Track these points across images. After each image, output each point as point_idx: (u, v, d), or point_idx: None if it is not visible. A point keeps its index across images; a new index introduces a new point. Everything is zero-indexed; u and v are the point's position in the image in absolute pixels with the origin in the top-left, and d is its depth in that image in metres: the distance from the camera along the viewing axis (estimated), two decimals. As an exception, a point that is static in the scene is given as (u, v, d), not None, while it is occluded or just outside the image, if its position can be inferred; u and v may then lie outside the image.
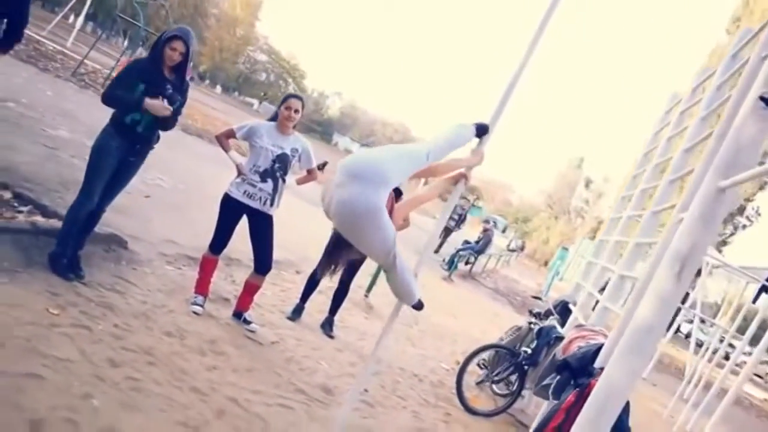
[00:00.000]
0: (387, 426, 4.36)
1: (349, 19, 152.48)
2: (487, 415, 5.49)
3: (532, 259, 51.27)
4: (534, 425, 3.97)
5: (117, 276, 4.59)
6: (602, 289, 5.50)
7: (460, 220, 17.11)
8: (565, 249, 30.04)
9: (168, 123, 4.28)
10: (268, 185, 4.69)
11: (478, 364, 6.27)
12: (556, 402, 3.40)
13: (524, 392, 5.75)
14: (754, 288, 10.72)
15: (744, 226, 32.58)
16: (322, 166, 5.14)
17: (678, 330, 16.95)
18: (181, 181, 9.00)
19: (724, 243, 31.29)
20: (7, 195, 4.90)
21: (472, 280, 16.41)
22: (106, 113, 4.25)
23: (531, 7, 3.53)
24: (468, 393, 5.61)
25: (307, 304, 5.84)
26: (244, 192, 4.67)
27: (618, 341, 2.38)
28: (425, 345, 7.19)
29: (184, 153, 11.99)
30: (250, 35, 72.24)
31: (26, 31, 4.44)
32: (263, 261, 4.85)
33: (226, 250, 4.94)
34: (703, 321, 13.26)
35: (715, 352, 10.47)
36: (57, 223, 4.47)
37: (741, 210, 31.22)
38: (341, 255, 2.96)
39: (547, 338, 5.47)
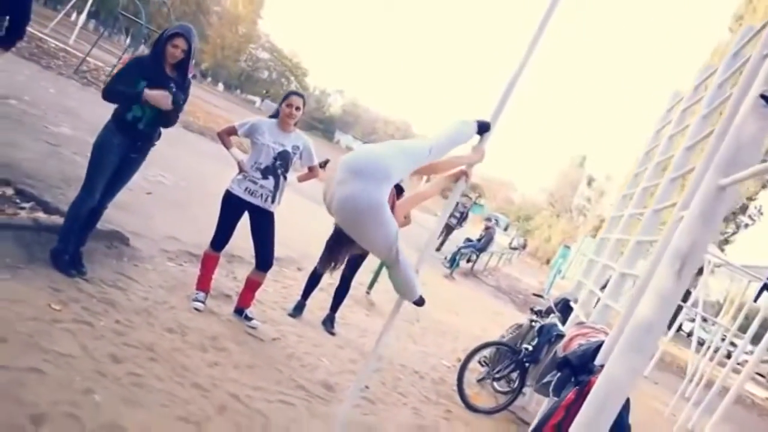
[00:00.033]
0: (388, 423, 4.37)
1: (351, 17, 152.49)
2: (488, 412, 5.50)
3: (534, 258, 51.26)
4: (534, 422, 3.97)
5: (119, 272, 4.60)
6: (603, 287, 5.50)
7: (462, 218, 17.09)
8: (567, 247, 30.02)
9: (169, 120, 4.29)
10: (270, 182, 4.70)
11: (479, 362, 6.28)
12: (556, 399, 3.41)
13: (525, 389, 5.75)
14: (756, 287, 10.70)
15: (746, 225, 32.51)
16: (324, 164, 5.14)
17: (680, 328, 16.93)
18: (182, 178, 9.00)
19: (726, 242, 31.25)
20: (10, 191, 4.91)
21: (474, 278, 16.41)
22: (108, 110, 4.26)
23: (533, 4, 3.53)
24: (469, 390, 5.61)
25: (309, 301, 5.85)
26: (246, 189, 4.67)
27: (618, 339, 2.39)
28: (426, 342, 7.20)
29: (186, 150, 12.01)
30: (252, 33, 72.28)
31: (28, 29, 4.46)
32: (265, 258, 4.86)
33: (227, 247, 4.95)
34: (705, 320, 13.25)
35: (716, 350, 10.47)
36: (59, 220, 4.47)
37: (743, 209, 31.17)
38: (342, 251, 2.97)
39: (548, 336, 5.48)
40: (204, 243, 4.94)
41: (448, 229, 16.77)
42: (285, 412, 3.75)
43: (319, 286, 5.93)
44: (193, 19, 51.13)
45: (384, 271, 5.98)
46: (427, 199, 3.36)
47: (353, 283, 6.10)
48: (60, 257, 4.12)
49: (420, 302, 3.18)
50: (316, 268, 5.69)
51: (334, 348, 5.38)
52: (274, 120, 4.82)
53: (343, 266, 4.89)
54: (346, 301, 6.09)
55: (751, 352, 7.94)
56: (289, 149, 4.77)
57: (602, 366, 2.84)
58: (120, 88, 4.10)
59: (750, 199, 30.94)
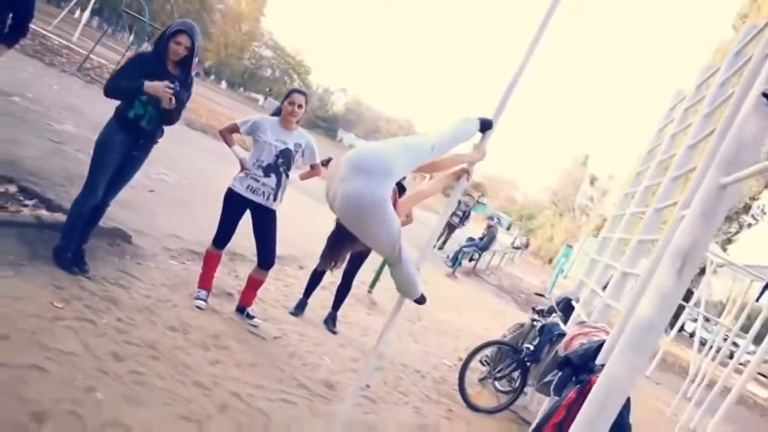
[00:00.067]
0: (389, 422, 4.37)
1: (354, 15, 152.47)
2: (490, 411, 5.50)
3: (536, 257, 51.23)
4: (535, 422, 3.97)
5: (121, 270, 4.61)
6: (605, 287, 5.49)
7: (464, 217, 17.08)
8: (569, 246, 30.00)
9: (172, 117, 4.29)
10: (272, 180, 4.70)
11: (481, 361, 6.27)
12: (557, 398, 3.41)
13: (527, 389, 5.75)
14: (759, 286, 10.68)
15: (749, 225, 32.43)
16: (326, 162, 5.13)
17: (682, 328, 16.91)
18: (185, 176, 9.02)
19: (729, 241, 31.18)
20: (13, 189, 4.92)
21: (476, 277, 16.40)
22: (111, 108, 4.26)
23: (536, 2, 3.52)
24: (470, 389, 5.61)
25: (310, 300, 5.85)
26: (248, 187, 4.68)
27: (619, 338, 2.38)
28: (428, 341, 7.20)
29: (189, 148, 12.02)
30: (256, 31, 72.35)
31: (32, 26, 4.46)
32: (266, 256, 4.87)
33: (229, 245, 4.96)
34: (707, 320, 13.23)
35: (718, 350, 10.45)
36: (61, 217, 4.48)
37: (746, 208, 31.08)
38: (343, 247, 2.96)
39: (549, 335, 5.47)
40: (206, 241, 4.95)
41: (451, 228, 16.75)
42: (286, 410, 3.76)
43: (321, 284, 5.93)
44: (196, 16, 51.22)
45: (386, 269, 5.98)
46: (429, 197, 3.36)
47: (355, 282, 6.10)
48: (62, 255, 4.12)
49: (421, 300, 3.18)
50: (317, 266, 5.69)
51: (336, 347, 5.39)
52: (276, 118, 4.82)
53: (344, 264, 4.92)
54: (347, 300, 6.10)
55: (753, 352, 7.94)
56: (291, 147, 4.78)
57: (603, 365, 2.84)
58: (121, 83, 4.09)
59: (753, 198, 30.86)
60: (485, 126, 3.27)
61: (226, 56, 67.36)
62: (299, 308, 5.73)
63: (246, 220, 4.80)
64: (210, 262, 4.84)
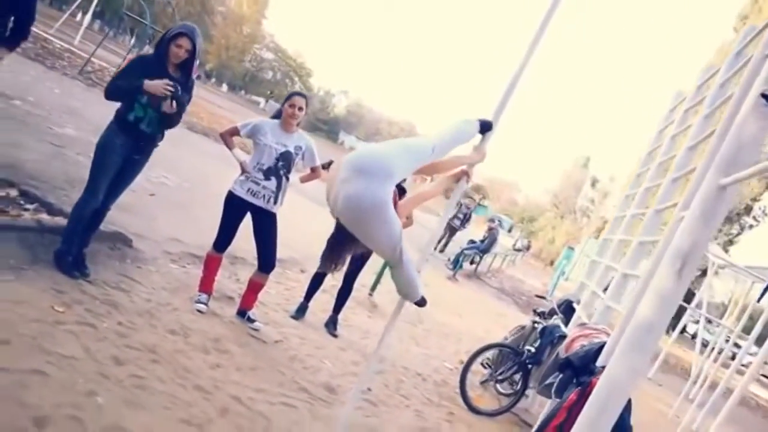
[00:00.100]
0: (390, 425, 4.36)
1: (355, 17, 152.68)
2: (491, 414, 5.49)
3: (537, 259, 51.18)
4: (536, 424, 3.96)
5: (122, 274, 4.61)
6: (606, 288, 5.49)
7: (466, 220, 17.07)
8: (570, 249, 30.02)
9: (172, 120, 4.28)
10: (272, 183, 4.70)
11: (482, 364, 6.27)
12: (558, 400, 3.40)
13: (528, 391, 5.74)
14: (760, 287, 10.67)
15: (751, 226, 32.37)
16: (327, 165, 5.14)
17: (684, 330, 16.88)
18: (186, 179, 9.02)
19: (730, 242, 31.12)
20: (13, 193, 4.92)
21: (477, 279, 16.38)
22: (112, 111, 4.25)
23: (537, 4, 3.52)
24: (472, 392, 5.60)
25: (311, 303, 5.85)
26: (248, 190, 4.68)
27: (619, 339, 2.38)
28: (429, 344, 7.19)
29: (190, 151, 12.02)
30: (257, 33, 72.39)
31: (34, 29, 4.47)
32: (267, 259, 4.86)
33: (230, 249, 4.96)
34: (709, 321, 13.21)
35: (720, 352, 10.43)
36: (62, 221, 4.48)
37: (748, 210, 31.04)
38: (343, 249, 2.96)
39: (550, 337, 5.47)
40: (207, 244, 4.95)
41: (452, 231, 16.75)
42: (287, 414, 3.76)
43: (322, 287, 5.93)
44: (197, 19, 51.27)
45: (386, 272, 5.97)
46: (429, 199, 3.36)
47: (356, 285, 6.10)
48: (63, 259, 4.12)
49: (422, 303, 3.18)
50: (318, 268, 5.68)
51: (337, 350, 5.38)
52: (276, 121, 4.82)
53: (345, 267, 4.91)
54: (348, 303, 6.09)
55: (756, 354, 7.92)
56: (292, 150, 4.78)
57: (604, 367, 2.84)
58: (121, 84, 4.09)
59: (754, 200, 30.81)
60: (485, 127, 3.27)
61: (227, 59, 67.41)
62: (300, 312, 5.73)
63: (247, 224, 4.80)
64: (211, 266, 4.84)
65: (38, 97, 9.42)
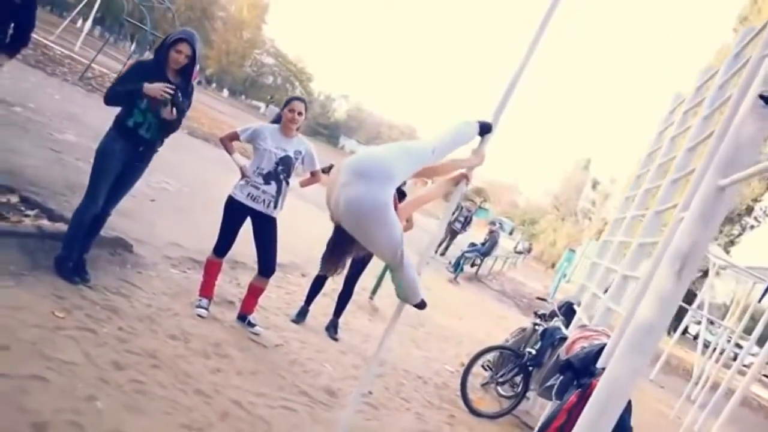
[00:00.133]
0: (391, 428, 4.36)
1: (355, 22, 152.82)
2: (492, 416, 5.49)
3: (539, 261, 51.07)
4: (537, 426, 3.96)
5: (122, 279, 4.61)
6: (607, 290, 5.48)
7: (466, 223, 17.08)
8: (572, 251, 29.99)
9: (172, 126, 4.28)
10: (272, 188, 4.71)
11: (483, 366, 6.26)
12: (559, 402, 3.40)
13: (529, 394, 5.74)
14: (762, 288, 10.67)
15: (751, 227, 32.32)
16: (327, 169, 5.14)
17: (686, 331, 16.86)
18: (186, 184, 9.03)
19: (731, 243, 31.06)
20: (14, 199, 4.93)
21: (478, 282, 16.38)
22: (112, 116, 4.25)
23: (537, 6, 3.53)
24: (472, 395, 5.60)
25: (312, 307, 5.85)
26: (248, 194, 4.68)
27: (620, 341, 2.38)
28: (430, 347, 7.19)
29: (190, 156, 12.04)
30: (257, 38, 72.44)
31: (34, 36, 4.48)
32: (267, 264, 4.87)
33: (230, 253, 4.96)
34: (710, 322, 13.20)
35: (722, 352, 10.42)
36: (63, 227, 4.49)
37: (749, 210, 31.00)
38: (344, 251, 2.96)
39: (551, 339, 5.47)
40: (207, 249, 4.95)
41: (453, 234, 16.75)
42: (287, 418, 3.75)
43: (322, 291, 5.92)
44: (197, 24, 51.34)
45: (387, 276, 5.97)
46: (429, 202, 3.36)
47: (356, 288, 6.10)
48: (64, 264, 4.12)
49: (422, 306, 3.18)
50: (319, 270, 5.69)
51: (337, 354, 5.38)
52: (276, 125, 4.83)
53: (345, 271, 4.91)
54: (349, 307, 6.09)
55: (757, 354, 7.91)
56: (291, 154, 4.78)
57: (604, 369, 2.83)
58: (120, 89, 4.09)
59: (755, 200, 30.76)
60: (484, 129, 3.28)
61: (227, 64, 67.45)
62: (301, 315, 5.73)
63: (247, 228, 4.80)
64: (211, 271, 4.84)
65: (39, 104, 9.44)
